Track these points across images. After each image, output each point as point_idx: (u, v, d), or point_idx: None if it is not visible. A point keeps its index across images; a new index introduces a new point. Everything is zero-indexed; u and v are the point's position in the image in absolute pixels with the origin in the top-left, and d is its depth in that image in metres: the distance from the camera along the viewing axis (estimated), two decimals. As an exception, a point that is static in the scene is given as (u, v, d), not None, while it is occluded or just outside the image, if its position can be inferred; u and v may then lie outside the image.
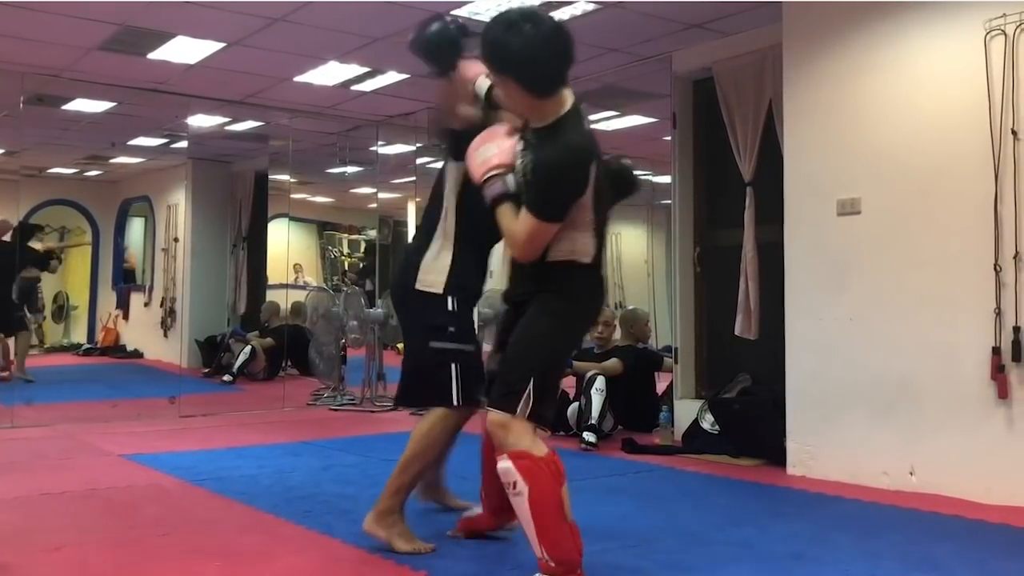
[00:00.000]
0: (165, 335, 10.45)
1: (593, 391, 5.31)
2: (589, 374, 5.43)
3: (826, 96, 4.44)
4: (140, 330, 11.08)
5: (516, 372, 2.55)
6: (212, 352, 9.51)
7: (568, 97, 2.53)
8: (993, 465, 3.77)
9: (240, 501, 3.76)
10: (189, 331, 9.76)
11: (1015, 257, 3.70)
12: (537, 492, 2.38)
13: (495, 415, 2.53)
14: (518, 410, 2.49)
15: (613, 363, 5.62)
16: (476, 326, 3.22)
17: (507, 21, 2.42)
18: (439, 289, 3.01)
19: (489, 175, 2.55)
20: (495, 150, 2.57)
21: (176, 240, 10.42)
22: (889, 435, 4.11)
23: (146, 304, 11.05)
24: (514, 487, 2.40)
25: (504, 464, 2.43)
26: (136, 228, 11.86)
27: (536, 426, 2.53)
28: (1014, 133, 3.71)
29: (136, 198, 11.49)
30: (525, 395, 2.47)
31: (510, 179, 2.55)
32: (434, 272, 3.03)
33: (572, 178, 2.46)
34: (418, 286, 3.03)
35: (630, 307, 7.77)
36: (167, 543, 3.14)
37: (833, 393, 4.34)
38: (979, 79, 3.83)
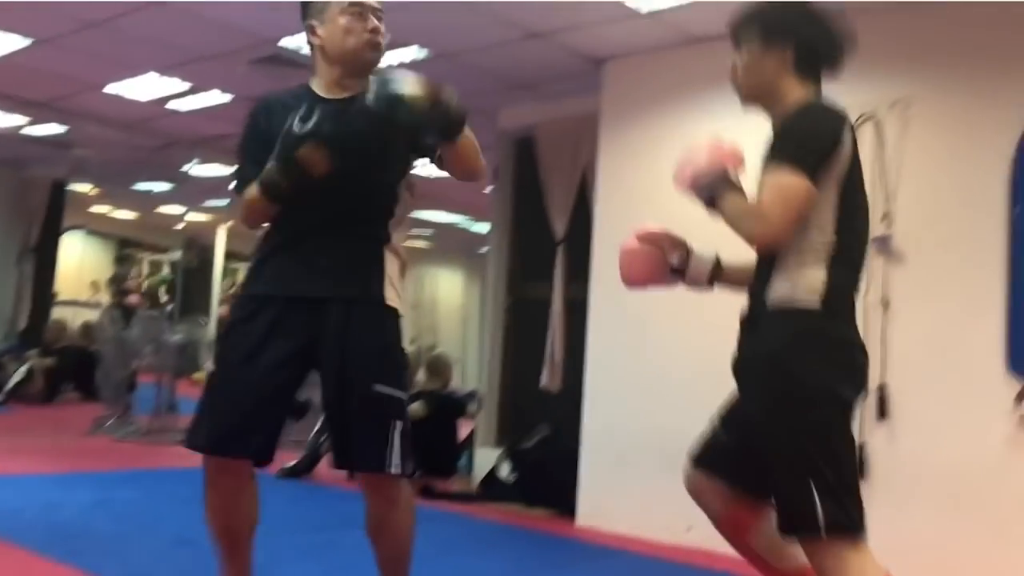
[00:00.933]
0: (-73, 349, 9.50)
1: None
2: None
3: (638, 164, 4.70)
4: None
5: None
6: (-16, 369, 8.72)
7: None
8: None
9: (-2, 536, 3.45)
10: (-42, 346, 8.91)
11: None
12: None
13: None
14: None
15: (416, 407, 5.61)
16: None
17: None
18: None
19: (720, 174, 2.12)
20: (703, 157, 2.17)
21: (-49, 247, 9.55)
22: (672, 491, 4.29)
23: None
24: None
25: None
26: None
27: None
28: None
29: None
30: None
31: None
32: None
33: (833, 132, 2.02)
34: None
35: (435, 351, 7.82)
36: (-95, 581, 2.83)
37: (624, 448, 4.54)
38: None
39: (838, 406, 2.00)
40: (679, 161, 2.22)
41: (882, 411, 3.76)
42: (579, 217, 5.29)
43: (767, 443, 2.02)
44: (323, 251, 2.22)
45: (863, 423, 3.79)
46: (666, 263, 2.34)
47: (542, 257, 5.57)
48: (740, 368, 2.21)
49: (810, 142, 1.99)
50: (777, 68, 2.11)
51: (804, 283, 2.01)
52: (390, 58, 5.06)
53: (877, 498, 3.73)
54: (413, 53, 4.99)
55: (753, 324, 2.16)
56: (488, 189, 6.12)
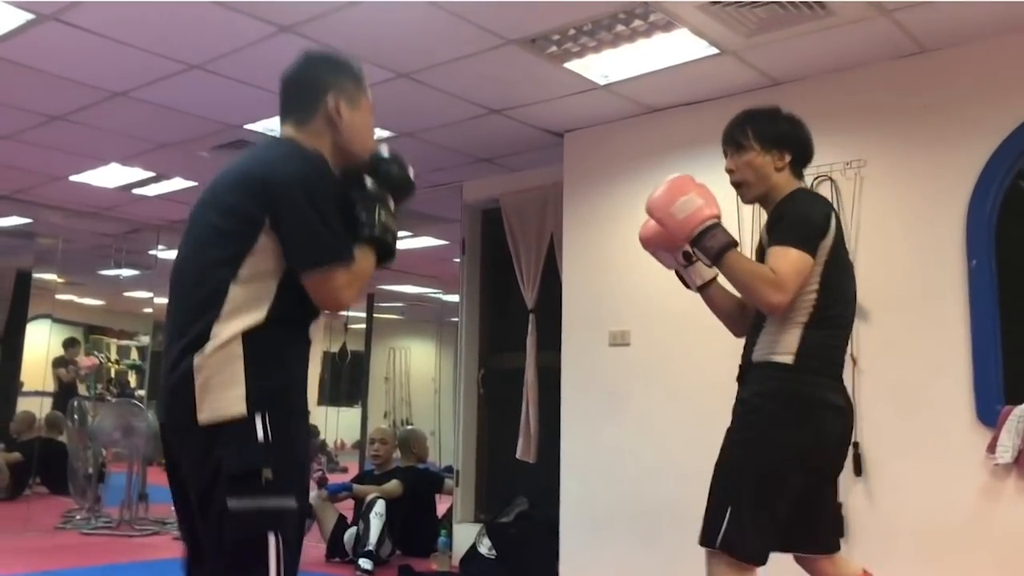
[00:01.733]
0: None
1: (372, 515, 5.20)
2: (369, 498, 5.33)
3: (600, 233, 4.76)
4: None
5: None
6: (-54, 466, 8.49)
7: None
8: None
9: (-37, 645, 3.34)
10: (-80, 442, 8.69)
11: (763, 392, 4.05)
12: None
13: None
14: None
15: (393, 485, 5.55)
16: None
17: (767, 111, 2.57)
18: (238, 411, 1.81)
19: (708, 224, 2.36)
20: (700, 200, 2.39)
21: (-86, 339, 9.38)
22: (652, 560, 4.29)
23: None
24: None
25: None
26: None
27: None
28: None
29: None
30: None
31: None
32: (224, 387, 1.82)
33: (825, 215, 2.40)
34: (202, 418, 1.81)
35: (409, 427, 7.75)
36: None
37: (603, 518, 4.50)
38: (732, 229, 4.23)
39: (784, 458, 2.31)
40: (663, 199, 2.48)
41: (857, 468, 3.77)
42: (548, 285, 5.32)
43: (720, 460, 2.43)
44: None
45: (840, 482, 3.79)
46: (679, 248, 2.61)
47: (513, 326, 5.59)
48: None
49: (809, 225, 2.35)
50: (779, 168, 2.48)
51: (782, 343, 2.36)
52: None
53: (857, 555, 3.73)
54: (376, 133, 5.05)
55: (743, 377, 2.50)
56: (457, 259, 6.16)
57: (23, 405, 8.84)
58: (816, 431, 2.35)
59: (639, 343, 4.51)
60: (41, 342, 8.76)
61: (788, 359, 2.33)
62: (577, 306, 4.81)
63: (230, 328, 1.80)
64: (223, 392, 1.78)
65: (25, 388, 9.08)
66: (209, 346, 1.79)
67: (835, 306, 2.39)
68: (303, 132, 2.03)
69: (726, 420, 4.08)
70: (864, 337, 3.84)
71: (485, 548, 5.03)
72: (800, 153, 2.52)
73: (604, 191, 4.77)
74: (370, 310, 9.49)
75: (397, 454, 6.10)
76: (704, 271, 2.64)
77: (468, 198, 5.98)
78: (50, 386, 9.29)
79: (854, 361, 3.82)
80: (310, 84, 2.06)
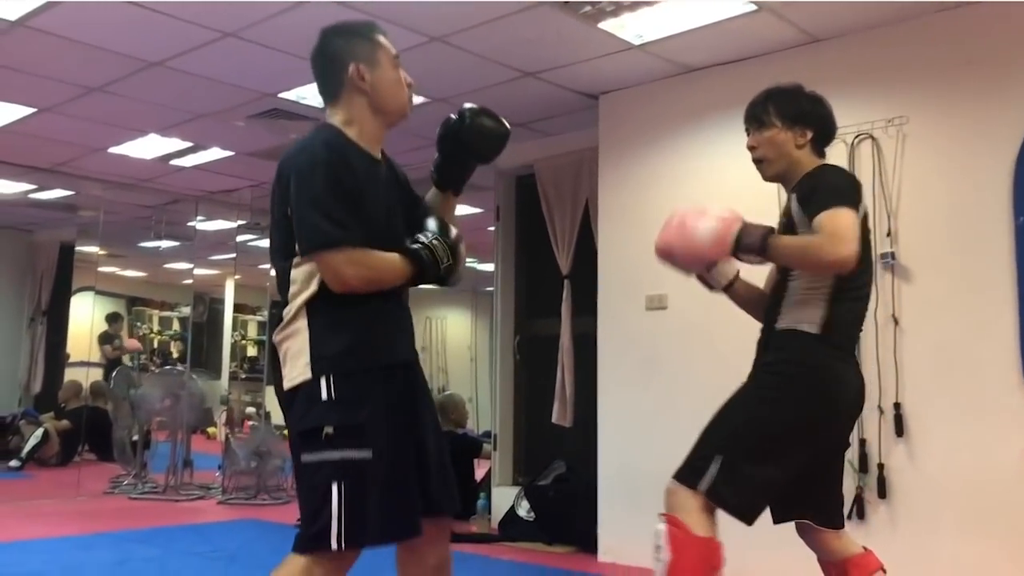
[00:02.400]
0: (-56, 415, 9.53)
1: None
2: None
3: (636, 198, 4.72)
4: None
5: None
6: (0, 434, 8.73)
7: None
8: (783, 549, 3.99)
9: (19, 602, 3.45)
10: (-27, 411, 8.93)
11: (802, 354, 4.02)
12: (678, 568, 2.26)
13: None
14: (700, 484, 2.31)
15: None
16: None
17: (789, 88, 2.60)
18: (304, 376, 1.98)
19: (737, 229, 2.36)
20: (714, 218, 2.40)
21: (-36, 313, 9.61)
22: (693, 522, 4.28)
23: (-77, 380, 10.06)
24: (658, 550, 2.30)
25: (659, 525, 2.34)
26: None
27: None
28: (801, 241, 4.07)
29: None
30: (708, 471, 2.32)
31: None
32: (295, 357, 2.02)
33: (857, 185, 2.44)
34: (285, 385, 2.03)
35: (447, 392, 7.80)
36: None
37: (641, 481, 4.49)
38: (771, 190, 4.16)
39: (797, 422, 2.32)
40: (678, 232, 2.52)
41: (899, 429, 3.73)
42: (583, 250, 5.31)
43: (725, 411, 2.47)
44: (406, 317, 2.16)
45: (881, 443, 3.77)
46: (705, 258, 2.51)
47: (549, 292, 5.59)
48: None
49: (849, 190, 2.34)
50: (799, 145, 2.48)
51: (808, 313, 2.37)
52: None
53: (899, 517, 3.71)
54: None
55: (764, 345, 2.53)
56: (491, 228, 6.15)
57: (69, 376, 9.03)
58: (833, 402, 2.35)
59: (676, 307, 4.49)
60: (85, 314, 8.93)
61: (814, 329, 2.34)
62: (613, 271, 4.79)
63: (295, 305, 2.00)
64: (295, 361, 1.98)
65: (71, 359, 9.28)
66: (283, 323, 2.02)
67: (860, 277, 2.39)
68: (337, 108, 2.11)
69: (765, 382, 4.08)
70: (906, 297, 3.79)
71: (524, 511, 5.07)
72: (822, 130, 2.51)
73: (640, 154, 4.72)
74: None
75: (436, 420, 6.14)
76: (727, 270, 2.63)
77: (502, 165, 5.94)
78: (95, 357, 9.48)
79: (895, 321, 3.78)
80: (330, 60, 2.11)
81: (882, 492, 3.75)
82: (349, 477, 1.90)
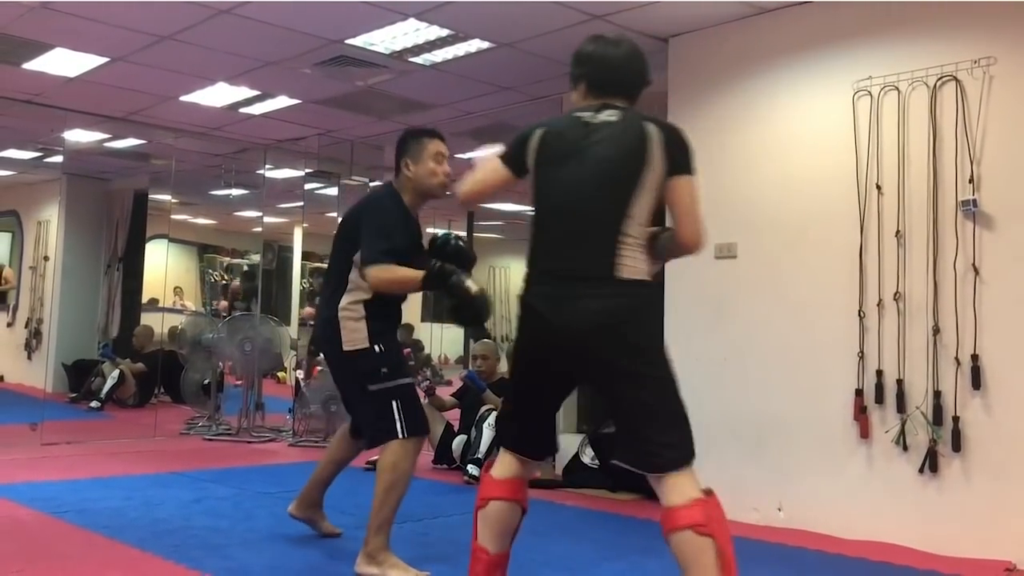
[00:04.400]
0: (29, 357, 9.93)
1: (485, 425, 5.33)
2: (483, 409, 5.45)
3: (706, 146, 4.60)
4: (1, 352, 10.48)
5: None
6: (80, 376, 9.08)
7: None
8: (854, 502, 3.96)
9: (103, 535, 3.59)
10: (56, 354, 9.29)
11: (878, 304, 3.93)
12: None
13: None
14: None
15: (494, 397, 5.64)
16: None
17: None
18: (365, 344, 3.18)
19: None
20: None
21: (46, 258, 9.94)
22: (759, 472, 4.26)
23: (9, 324, 10.48)
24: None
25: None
26: (1, 244, 11.26)
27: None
28: (878, 188, 3.95)
29: (3, 212, 10.92)
30: None
31: None
32: (355, 331, 3.19)
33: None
34: (346, 347, 3.18)
35: (511, 340, 7.80)
36: (21, 580, 2.96)
37: (707, 430, 4.44)
38: (847, 136, 4.07)
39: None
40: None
41: (976, 382, 3.63)
42: (650, 199, 5.22)
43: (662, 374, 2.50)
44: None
45: (957, 395, 3.67)
46: None
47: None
48: None
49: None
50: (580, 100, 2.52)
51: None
52: (454, 52, 5.08)
53: (973, 471, 3.63)
54: (476, 45, 5.00)
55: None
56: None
57: (145, 321, 9.32)
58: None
59: (746, 256, 4.41)
60: (159, 261, 9.17)
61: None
62: (681, 218, 4.70)
63: (356, 298, 3.18)
64: (355, 333, 3.17)
65: (145, 304, 9.56)
66: (343, 302, 3.18)
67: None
68: (398, 178, 3.30)
69: (834, 333, 4.01)
70: (988, 246, 3.65)
71: (588, 458, 5.10)
72: (589, 78, 2.49)
73: (710, 99, 4.61)
74: (470, 230, 9.53)
75: (503, 366, 6.17)
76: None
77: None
78: (169, 303, 9.75)
79: (976, 271, 3.65)
80: (396, 151, 3.30)
81: (956, 446, 3.67)
82: (403, 394, 3.17)
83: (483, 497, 2.39)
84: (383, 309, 3.20)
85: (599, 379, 2.31)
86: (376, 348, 3.15)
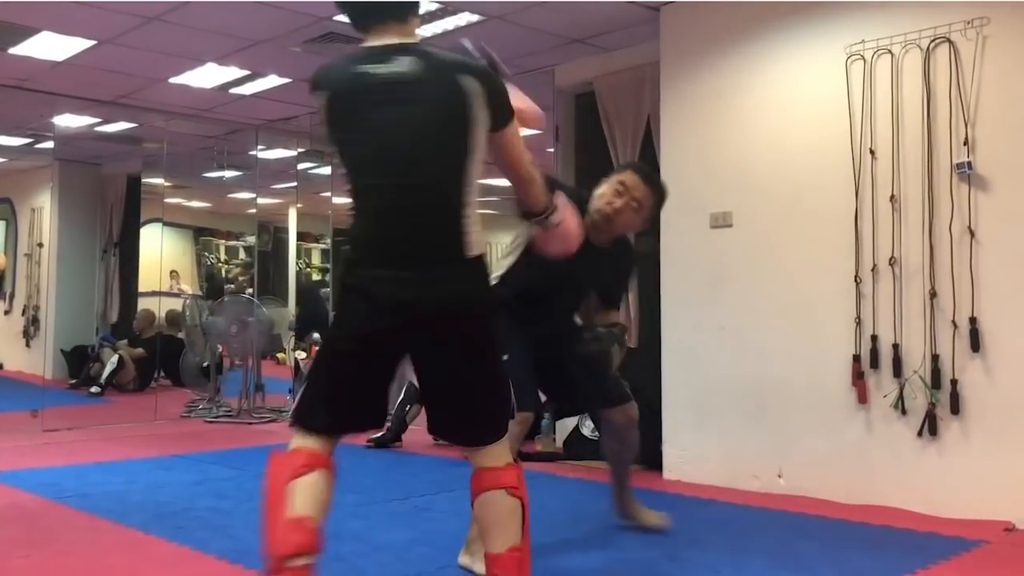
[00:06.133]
0: (28, 344, 9.92)
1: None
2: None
3: (700, 113, 4.60)
4: (0, 339, 10.48)
5: None
6: (79, 362, 9.08)
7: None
8: (853, 467, 3.98)
9: (107, 518, 3.60)
10: (54, 340, 9.29)
11: (873, 270, 3.92)
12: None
13: None
14: None
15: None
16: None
17: None
18: None
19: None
20: None
21: (40, 245, 9.91)
22: (759, 440, 4.28)
23: (6, 312, 10.47)
24: None
25: None
26: (-5, 232, 11.21)
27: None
28: (872, 152, 3.94)
29: (-4, 200, 10.88)
30: None
31: None
32: None
33: None
34: None
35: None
36: (25, 566, 2.97)
37: (706, 400, 4.49)
38: (841, 101, 4.05)
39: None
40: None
41: (974, 344, 3.63)
42: (645, 169, 5.20)
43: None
44: None
45: (955, 359, 3.68)
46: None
47: (610, 213, 5.50)
48: None
49: None
50: None
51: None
52: (443, 26, 5.04)
53: (972, 433, 3.65)
54: (466, 19, 4.95)
55: None
56: (550, 149, 6.06)
57: (142, 305, 9.31)
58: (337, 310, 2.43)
59: (742, 224, 4.40)
60: (154, 245, 9.14)
61: None
62: (676, 188, 4.63)
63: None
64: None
65: (142, 289, 9.55)
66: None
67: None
68: None
69: (831, 299, 4.01)
70: (984, 208, 3.65)
71: (588, 430, 5.11)
72: (347, 14, 2.24)
73: (704, 67, 4.58)
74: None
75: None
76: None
77: (561, 83, 5.84)
78: (165, 287, 9.73)
79: (972, 233, 3.65)
80: None
81: (955, 408, 3.68)
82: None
83: (304, 465, 2.11)
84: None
85: (442, 358, 2.14)
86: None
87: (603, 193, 3.06)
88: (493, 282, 2.81)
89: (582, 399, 3.48)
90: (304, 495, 2.08)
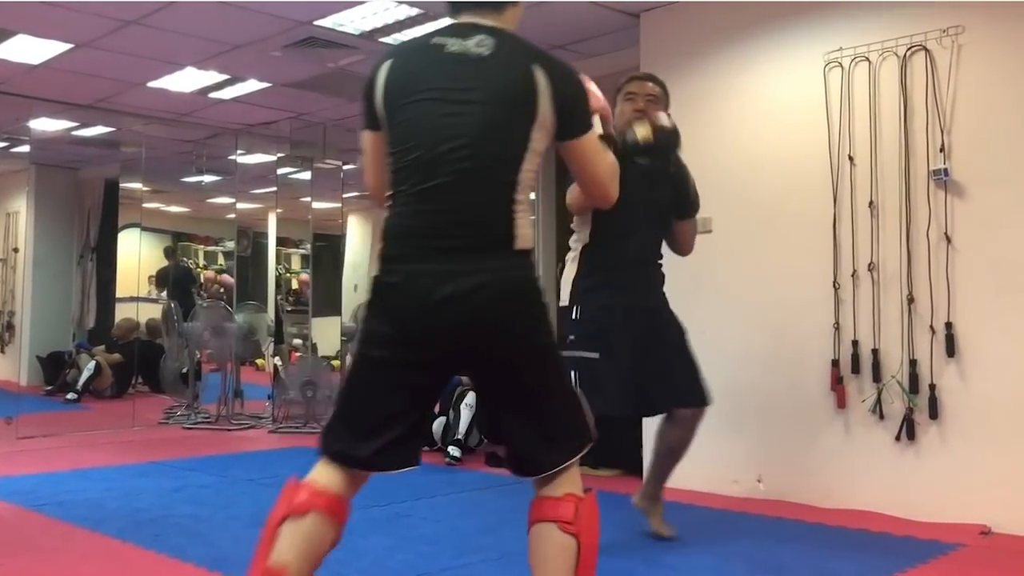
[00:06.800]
0: (2, 351, 9.81)
1: (463, 406, 5.34)
2: (459, 389, 5.45)
3: (679, 119, 4.56)
4: (-27, 346, 10.35)
5: None
6: (55, 369, 8.99)
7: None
8: (832, 471, 4.00)
9: (83, 527, 3.56)
10: (29, 347, 9.19)
11: (852, 275, 3.95)
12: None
13: None
14: None
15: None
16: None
17: None
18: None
19: None
20: None
21: (16, 250, 9.81)
22: (739, 445, 4.29)
23: (-20, 318, 10.35)
24: None
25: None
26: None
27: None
28: (850, 159, 3.97)
29: (-30, 205, 10.76)
30: None
31: None
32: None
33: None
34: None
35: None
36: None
37: (687, 405, 4.49)
38: (819, 108, 4.08)
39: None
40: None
41: (950, 350, 3.67)
42: (625, 175, 5.21)
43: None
44: None
45: (933, 364, 3.71)
46: None
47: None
48: None
49: None
50: None
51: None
52: (424, 31, 5.03)
53: (950, 438, 3.68)
54: (446, 23, 4.95)
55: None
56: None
57: (120, 311, 9.23)
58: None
59: (721, 230, 4.42)
60: (132, 250, 9.07)
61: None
62: (656, 194, 4.70)
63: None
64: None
65: (120, 294, 9.47)
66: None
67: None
68: None
69: (810, 305, 4.03)
70: (960, 214, 3.68)
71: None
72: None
73: (682, 73, 4.60)
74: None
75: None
76: None
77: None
78: (144, 292, 9.65)
79: (948, 239, 3.68)
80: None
81: (933, 413, 3.71)
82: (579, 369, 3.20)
83: (302, 504, 1.86)
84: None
85: (499, 368, 1.91)
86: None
87: (622, 111, 3.25)
88: (574, 276, 3.36)
89: (671, 394, 3.37)
90: (291, 540, 1.83)
